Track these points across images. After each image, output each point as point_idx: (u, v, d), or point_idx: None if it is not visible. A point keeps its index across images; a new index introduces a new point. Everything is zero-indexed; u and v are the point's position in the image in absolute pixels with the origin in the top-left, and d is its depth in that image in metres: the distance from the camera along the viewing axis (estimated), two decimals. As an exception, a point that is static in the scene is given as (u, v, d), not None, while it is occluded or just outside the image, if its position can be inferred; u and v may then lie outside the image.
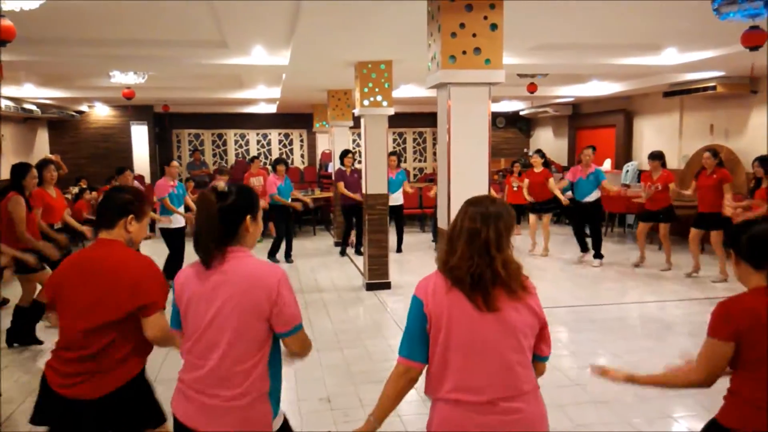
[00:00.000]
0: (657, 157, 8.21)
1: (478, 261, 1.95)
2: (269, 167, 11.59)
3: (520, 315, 1.96)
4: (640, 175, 10.50)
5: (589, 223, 8.89)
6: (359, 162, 9.57)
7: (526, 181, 9.79)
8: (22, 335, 5.48)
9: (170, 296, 2.31)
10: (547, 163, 10.22)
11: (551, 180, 9.52)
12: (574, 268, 8.64)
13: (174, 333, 2.23)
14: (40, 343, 5.48)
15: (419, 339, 2.02)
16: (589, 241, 8.91)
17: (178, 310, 2.17)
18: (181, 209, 7.56)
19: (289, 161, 16.36)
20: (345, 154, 9.68)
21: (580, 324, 6.08)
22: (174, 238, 7.54)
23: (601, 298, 7.05)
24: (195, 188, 11.55)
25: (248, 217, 2.13)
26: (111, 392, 2.34)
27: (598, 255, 8.78)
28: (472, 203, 2.06)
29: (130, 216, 2.45)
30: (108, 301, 2.30)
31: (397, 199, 9.66)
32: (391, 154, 9.32)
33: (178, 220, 7.54)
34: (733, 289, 7.20)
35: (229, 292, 2.04)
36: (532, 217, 9.88)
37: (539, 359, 2.09)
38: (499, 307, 1.93)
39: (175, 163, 7.86)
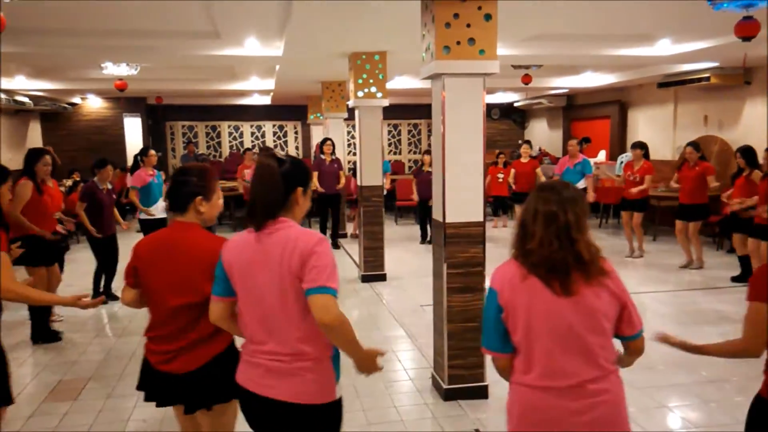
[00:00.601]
0: (639, 146, 8.39)
1: (558, 245, 1.95)
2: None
3: (600, 298, 1.96)
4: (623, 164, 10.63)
5: None
6: (354, 153, 9.52)
7: (513, 171, 9.79)
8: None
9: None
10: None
11: (538, 170, 9.58)
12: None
13: (216, 299, 2.25)
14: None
15: (497, 329, 2.05)
16: None
17: (226, 278, 2.19)
18: (161, 201, 7.27)
19: (284, 153, 16.29)
20: (324, 142, 9.55)
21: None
22: (153, 231, 7.26)
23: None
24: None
25: (300, 188, 2.16)
26: (201, 366, 2.46)
27: None
28: (544, 188, 2.07)
29: (199, 198, 2.50)
30: (189, 282, 2.40)
31: None
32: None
33: (159, 211, 7.26)
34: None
35: (277, 260, 2.06)
36: (518, 208, 9.91)
37: (628, 339, 2.07)
38: (577, 291, 1.94)
39: (152, 152, 7.51)
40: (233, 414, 2.62)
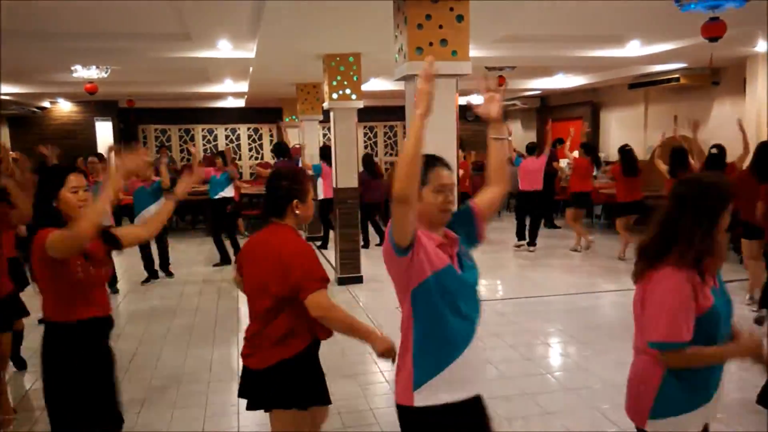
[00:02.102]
0: (584, 147, 9.53)
1: (656, 236, 2.13)
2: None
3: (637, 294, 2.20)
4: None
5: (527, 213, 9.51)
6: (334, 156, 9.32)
7: None
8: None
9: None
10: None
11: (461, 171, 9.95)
12: (535, 258, 8.75)
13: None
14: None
15: None
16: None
17: None
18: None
19: (259, 156, 16.21)
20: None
21: (551, 314, 6.15)
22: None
23: (572, 288, 7.14)
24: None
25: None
26: (268, 367, 2.51)
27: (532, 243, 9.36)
28: (680, 183, 2.17)
29: (295, 201, 2.54)
30: (269, 283, 2.47)
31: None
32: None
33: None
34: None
35: None
36: None
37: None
38: (636, 281, 2.19)
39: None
40: (293, 424, 2.56)
